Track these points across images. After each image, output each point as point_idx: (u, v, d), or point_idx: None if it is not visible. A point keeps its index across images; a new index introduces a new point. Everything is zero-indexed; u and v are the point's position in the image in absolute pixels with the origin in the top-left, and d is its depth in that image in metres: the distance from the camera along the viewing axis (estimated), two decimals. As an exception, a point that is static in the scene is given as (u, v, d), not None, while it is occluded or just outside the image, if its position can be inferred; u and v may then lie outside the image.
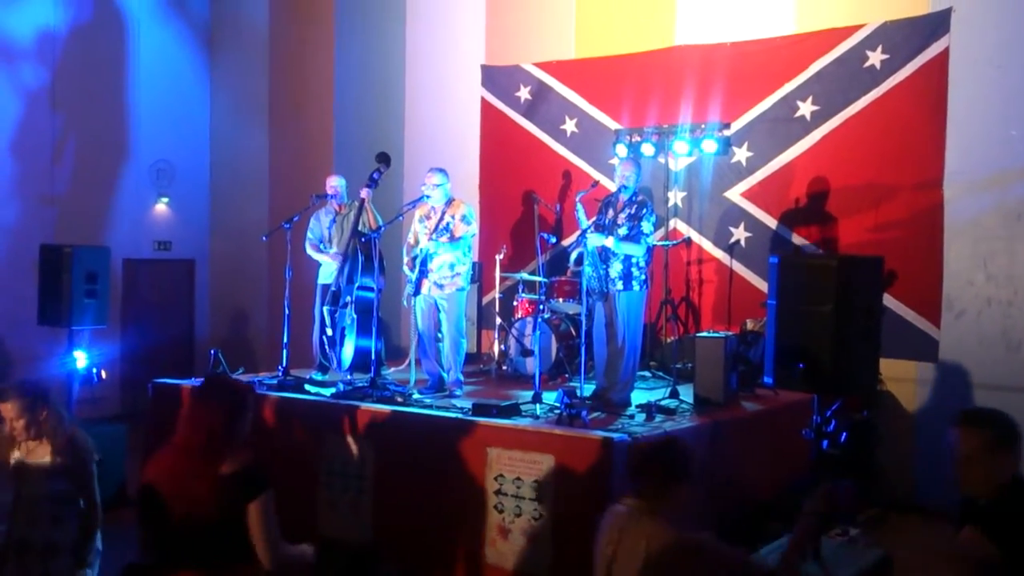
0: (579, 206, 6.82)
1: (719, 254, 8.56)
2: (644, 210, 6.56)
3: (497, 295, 8.91)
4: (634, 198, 6.63)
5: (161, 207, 11.55)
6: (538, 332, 7.28)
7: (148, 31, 11.34)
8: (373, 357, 6.72)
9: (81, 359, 7.49)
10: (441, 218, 6.96)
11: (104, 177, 10.99)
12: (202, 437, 3.33)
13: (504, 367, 8.24)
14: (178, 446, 3.40)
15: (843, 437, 4.87)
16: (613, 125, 9.05)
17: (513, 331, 8.13)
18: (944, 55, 7.47)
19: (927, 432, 7.48)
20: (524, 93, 9.73)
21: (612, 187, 7.09)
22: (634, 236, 6.50)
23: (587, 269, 6.56)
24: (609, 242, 6.46)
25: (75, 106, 10.64)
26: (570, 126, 9.42)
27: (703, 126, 8.39)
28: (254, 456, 3.45)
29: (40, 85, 10.40)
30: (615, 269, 6.52)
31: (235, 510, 3.28)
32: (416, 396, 6.54)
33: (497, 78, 9.94)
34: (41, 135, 10.38)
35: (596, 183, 7.52)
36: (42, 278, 7.46)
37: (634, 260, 6.53)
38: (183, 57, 11.80)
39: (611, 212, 6.65)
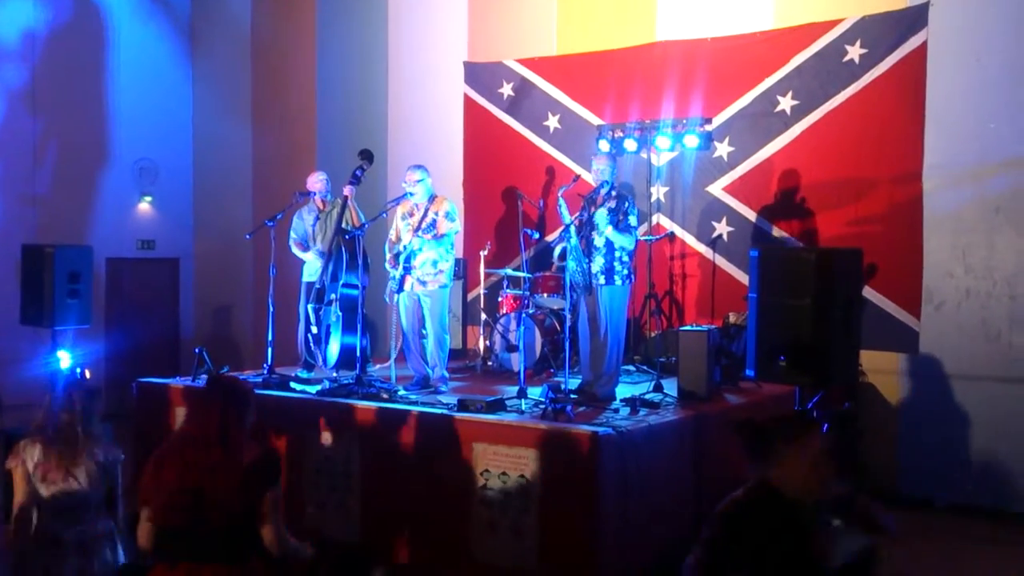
0: (561, 201, 6.85)
1: (702, 248, 8.61)
2: (626, 204, 6.60)
3: (482, 291, 8.93)
4: (611, 192, 6.66)
5: (144, 206, 11.51)
6: (523, 327, 7.31)
7: (129, 30, 11.28)
8: (358, 354, 6.74)
9: (65, 359, 7.45)
10: (425, 214, 6.97)
11: (86, 176, 10.94)
12: (216, 431, 3.41)
13: (489, 363, 8.27)
14: (189, 440, 3.45)
15: (824, 429, 4.93)
16: (596, 121, 9.08)
17: (498, 327, 8.15)
18: (922, 49, 7.53)
19: (909, 423, 7.56)
20: (507, 90, 9.74)
21: (592, 182, 7.08)
22: (624, 228, 6.55)
23: (570, 264, 6.59)
24: (609, 231, 6.48)
25: (56, 106, 10.58)
26: (553, 122, 9.44)
27: (685, 121, 8.42)
28: (265, 447, 3.60)
29: (21, 85, 10.34)
30: (597, 263, 6.56)
31: (254, 500, 3.36)
32: (402, 393, 6.55)
33: (480, 75, 9.95)
34: (22, 135, 10.32)
35: (577, 177, 7.55)
36: (24, 278, 7.43)
37: (617, 255, 6.56)
38: (165, 55, 11.74)
39: (591, 207, 6.68)
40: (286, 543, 3.46)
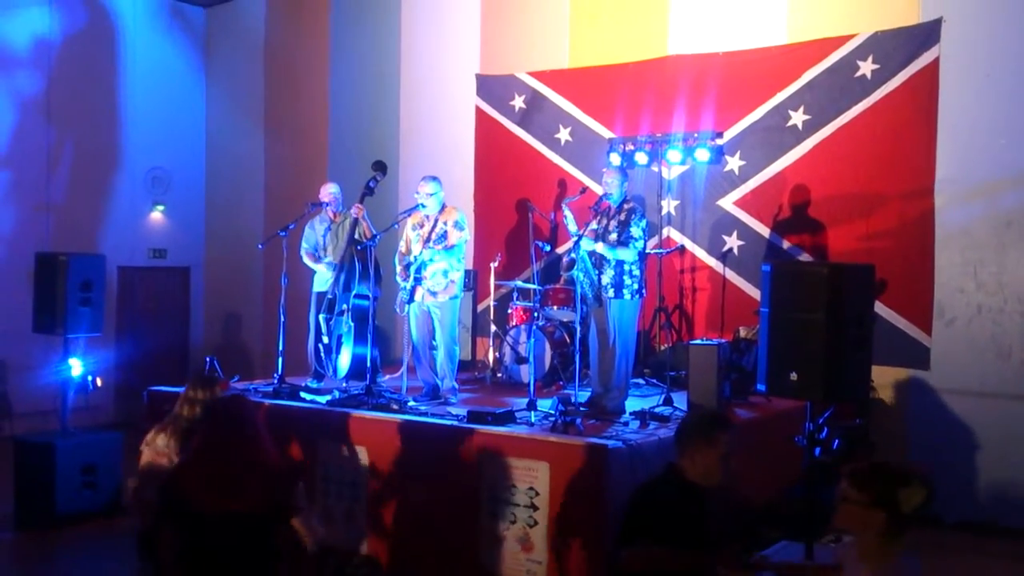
0: (566, 211, 6.86)
1: (712, 262, 8.60)
2: (633, 216, 6.58)
3: (492, 303, 8.94)
4: (623, 205, 6.66)
5: (156, 215, 11.57)
6: (532, 339, 7.30)
7: (144, 40, 11.37)
8: (369, 365, 6.75)
9: (76, 367, 7.50)
10: (434, 225, 6.99)
11: (99, 185, 11.02)
12: (239, 442, 3.47)
13: (499, 374, 8.27)
14: (210, 452, 3.51)
15: (835, 444, 4.93)
16: (607, 134, 9.10)
17: (508, 338, 8.15)
18: (935, 65, 7.53)
19: (919, 439, 7.53)
20: (518, 102, 9.78)
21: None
22: (624, 241, 6.53)
23: (579, 275, 6.59)
24: (599, 247, 6.49)
25: (70, 114, 10.66)
26: (564, 135, 9.47)
27: (696, 135, 8.42)
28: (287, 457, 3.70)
29: (35, 93, 10.42)
30: (607, 276, 6.54)
31: (283, 500, 3.45)
32: (411, 404, 6.56)
33: (492, 87, 9.99)
34: (36, 143, 10.40)
35: (584, 189, 7.55)
36: (37, 286, 7.48)
37: (626, 268, 6.54)
38: (179, 65, 11.83)
39: (604, 220, 6.68)
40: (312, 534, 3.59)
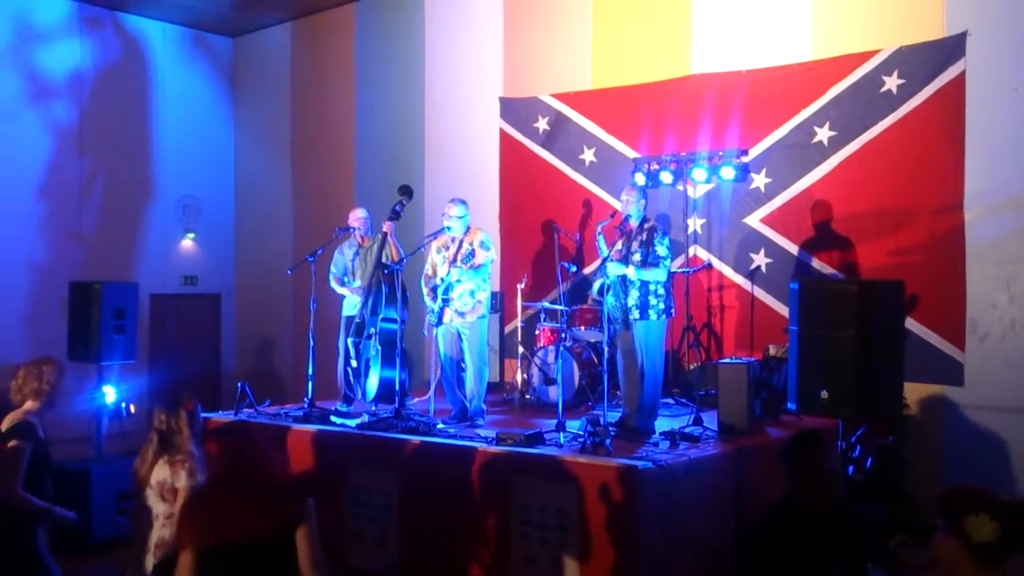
0: (600, 237, 6.86)
1: (740, 280, 8.56)
2: (655, 235, 6.57)
3: (519, 324, 8.95)
4: (643, 225, 6.66)
5: (187, 242, 11.72)
6: (560, 361, 7.30)
7: (172, 69, 11.58)
8: (397, 388, 6.78)
9: (110, 394, 7.61)
10: (460, 246, 7.04)
11: (131, 214, 11.19)
12: (247, 471, 3.48)
13: (527, 396, 8.27)
14: (220, 480, 3.53)
15: (869, 463, 4.88)
16: (631, 154, 9.11)
17: (535, 360, 8.16)
18: (960, 78, 7.48)
19: (954, 456, 7.42)
20: (542, 124, 9.82)
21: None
22: (652, 261, 6.53)
23: (609, 299, 6.58)
24: (629, 271, 6.48)
25: (102, 144, 10.86)
26: (588, 156, 9.49)
27: (721, 153, 8.42)
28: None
29: (68, 124, 10.63)
30: (632, 298, 6.53)
31: (295, 517, 3.40)
32: (440, 426, 6.58)
33: (515, 110, 10.04)
34: (69, 173, 10.59)
35: (615, 213, 7.55)
36: (72, 314, 7.61)
37: (651, 288, 6.53)
38: (207, 96, 12.02)
39: (628, 241, 6.68)
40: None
